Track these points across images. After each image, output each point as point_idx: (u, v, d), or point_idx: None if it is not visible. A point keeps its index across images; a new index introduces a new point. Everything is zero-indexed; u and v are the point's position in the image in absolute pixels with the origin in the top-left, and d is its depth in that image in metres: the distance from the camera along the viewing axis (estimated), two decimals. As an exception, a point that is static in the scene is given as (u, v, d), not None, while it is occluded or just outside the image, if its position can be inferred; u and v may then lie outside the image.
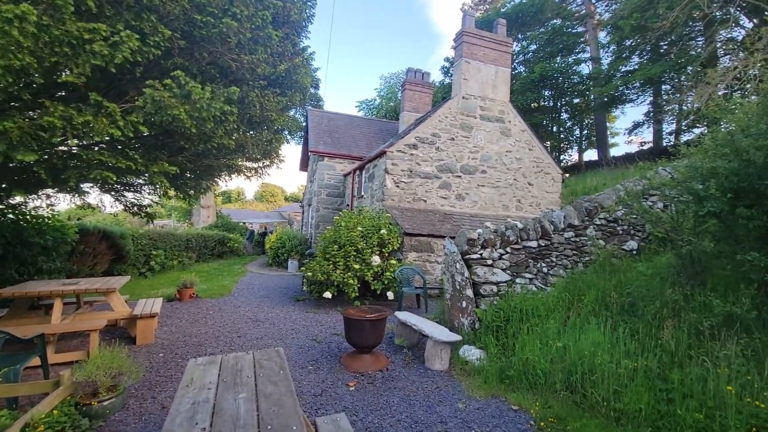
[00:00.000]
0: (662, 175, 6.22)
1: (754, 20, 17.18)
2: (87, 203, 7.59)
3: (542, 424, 3.39)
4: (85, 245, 8.99)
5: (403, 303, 8.23)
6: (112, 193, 7.69)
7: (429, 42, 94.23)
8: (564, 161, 30.77)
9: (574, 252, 6.07)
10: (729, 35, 18.56)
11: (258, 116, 5.43)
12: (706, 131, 7.99)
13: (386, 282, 7.95)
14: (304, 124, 18.53)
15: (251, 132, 6.65)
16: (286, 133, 27.38)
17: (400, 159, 10.56)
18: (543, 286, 5.73)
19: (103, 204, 8.37)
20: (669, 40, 20.26)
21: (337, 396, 3.91)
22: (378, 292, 8.06)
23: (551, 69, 23.11)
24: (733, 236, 3.97)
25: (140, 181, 7.32)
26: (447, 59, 30.58)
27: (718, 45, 18.41)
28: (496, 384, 4.16)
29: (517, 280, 5.66)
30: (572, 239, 6.09)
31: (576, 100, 27.96)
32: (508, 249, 5.69)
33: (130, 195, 8.05)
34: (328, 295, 7.80)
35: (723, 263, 4.14)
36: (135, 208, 8.10)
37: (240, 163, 7.47)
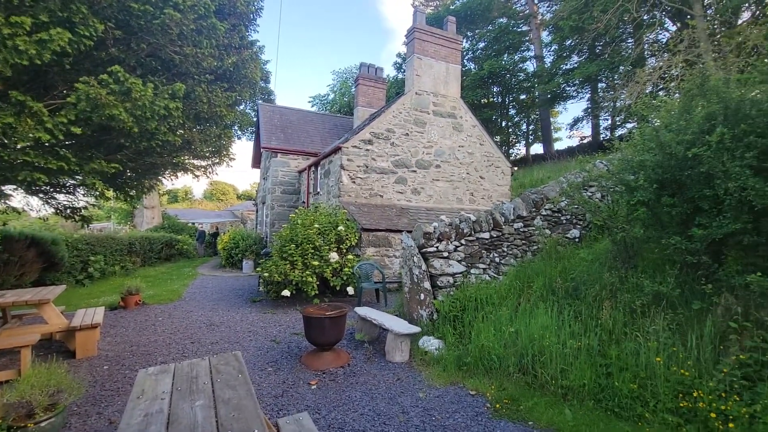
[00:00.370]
0: (599, 168, 6.70)
1: (677, 24, 18.87)
2: (10, 207, 6.88)
3: (497, 405, 3.58)
4: (9, 253, 8.15)
5: (363, 298, 8.28)
6: (41, 195, 7.02)
7: (381, 36, 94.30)
8: (513, 155, 32.22)
9: (523, 242, 6.40)
10: (655, 37, 20.28)
11: (206, 112, 5.17)
12: (636, 127, 8.70)
13: (345, 278, 7.95)
14: (255, 119, 17.92)
15: (198, 128, 6.32)
16: (237, 128, 26.39)
17: (355, 155, 10.54)
18: (496, 275, 6.00)
19: (31, 207, 7.63)
20: (604, 41, 21.76)
21: (299, 395, 3.88)
22: (337, 288, 8.04)
23: (499, 66, 24.01)
24: (659, 223, 4.39)
25: (73, 181, 6.73)
26: (399, 55, 30.80)
27: (646, 46, 20.05)
28: (455, 371, 4.32)
29: (472, 271, 5.89)
30: (521, 230, 6.42)
31: (522, 97, 29.31)
32: (463, 241, 5.89)
33: (61, 197, 7.38)
34: (286, 293, 7.66)
35: (651, 247, 4.56)
36: (68, 211, 7.44)
37: (187, 161, 7.10)
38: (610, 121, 25.33)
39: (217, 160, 7.41)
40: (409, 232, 6.62)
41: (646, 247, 4.69)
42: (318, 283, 7.85)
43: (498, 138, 29.55)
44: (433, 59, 11.56)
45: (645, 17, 19.23)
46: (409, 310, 5.77)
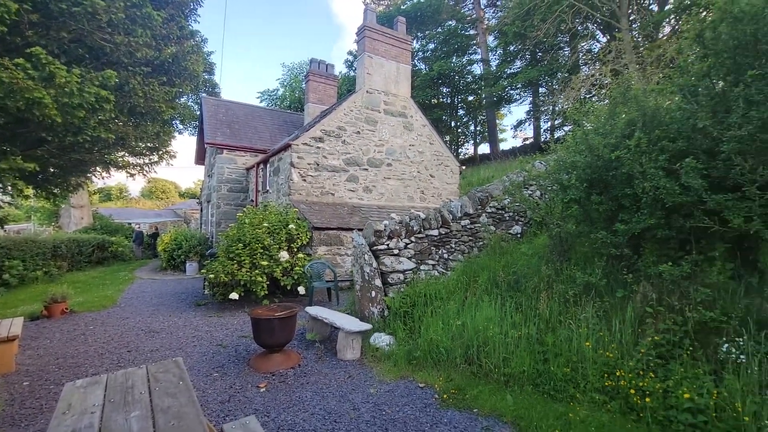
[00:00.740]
0: (538, 168, 7.15)
1: (607, 36, 20.51)
2: None
3: (445, 396, 3.72)
4: None
5: (315, 297, 8.18)
6: (-58, 194, 6.19)
7: (331, 32, 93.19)
8: (462, 154, 33.33)
9: (470, 238, 6.68)
10: (588, 47, 21.92)
11: (142, 106, 4.82)
12: (570, 130, 9.39)
13: (296, 278, 7.81)
14: (198, 113, 17.01)
15: (133, 123, 5.89)
16: (178, 122, 24.83)
17: (306, 152, 10.36)
18: (444, 271, 6.20)
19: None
20: (544, 48, 23.15)
21: (247, 399, 3.77)
22: (288, 288, 7.88)
23: (448, 68, 24.71)
24: (589, 219, 4.77)
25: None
26: (350, 52, 30.66)
27: (581, 55, 21.59)
28: (405, 366, 4.42)
29: (422, 267, 6.04)
30: (468, 227, 6.69)
31: (470, 98, 30.38)
32: (413, 238, 6.02)
33: (-31, 196, 6.56)
34: (234, 296, 7.38)
35: (583, 242, 4.95)
36: (-23, 212, 6.63)
37: (121, 158, 6.58)
38: (549, 124, 27.01)
39: (156, 158, 6.95)
40: (360, 230, 6.65)
41: (578, 242, 5.09)
42: (268, 283, 7.65)
43: (447, 138, 30.42)
44: (384, 58, 11.65)
45: (579, 28, 20.72)
46: (360, 307, 5.80)
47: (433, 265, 6.14)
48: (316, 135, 10.55)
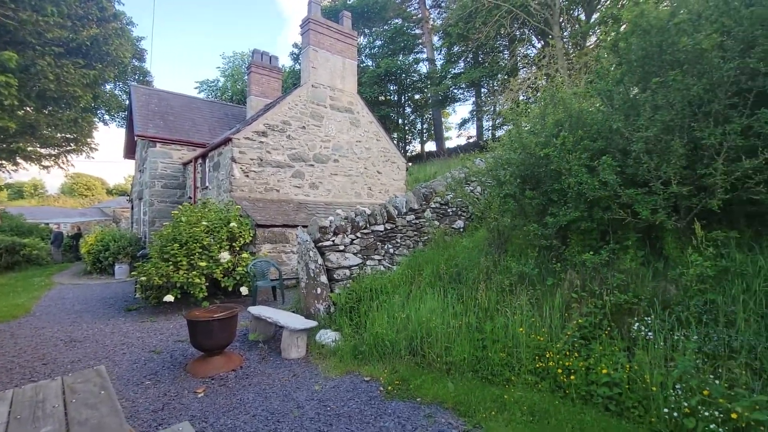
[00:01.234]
0: (479, 165, 7.47)
1: (542, 41, 21.88)
2: None
3: (389, 388, 3.78)
4: None
5: (259, 297, 7.93)
6: None
7: (276, 23, 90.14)
8: (409, 151, 33.89)
9: (415, 233, 6.83)
10: (525, 52, 23.25)
11: (54, 90, 4.33)
12: (508, 130, 9.91)
13: (239, 278, 7.51)
14: (127, 102, 15.68)
15: (46, 110, 5.27)
16: (104, 113, 22.77)
17: (248, 147, 9.96)
18: (390, 266, 6.29)
19: None
20: (485, 50, 24.20)
21: (183, 406, 3.57)
22: (230, 289, 7.55)
23: (395, 66, 24.96)
24: (523, 213, 5.09)
25: None
26: (296, 45, 29.89)
27: (519, 59, 22.86)
28: (351, 361, 4.43)
29: (368, 263, 6.08)
30: (413, 222, 6.83)
31: (417, 96, 30.97)
32: (359, 234, 6.03)
33: None
34: (169, 298, 6.93)
35: (518, 234, 5.26)
36: None
37: (30, 148, 5.87)
38: (491, 123, 28.32)
39: (74, 148, 6.29)
40: (306, 227, 6.54)
41: (514, 234, 5.39)
42: (207, 284, 7.28)
43: (395, 135, 30.78)
44: (330, 53, 11.50)
45: (517, 33, 21.92)
46: (306, 305, 5.71)
47: (379, 260, 6.20)
48: (259, 129, 10.17)
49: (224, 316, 4.34)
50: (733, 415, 2.65)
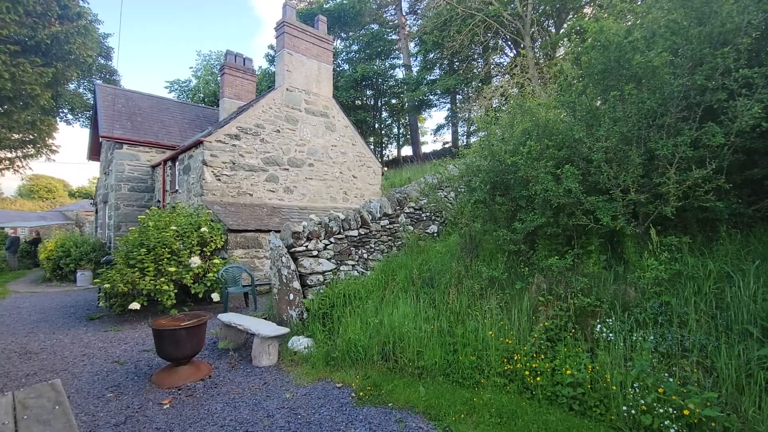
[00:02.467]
0: (452, 171, 7.61)
1: (515, 51, 22.52)
2: None
3: (361, 393, 3.78)
4: None
5: (231, 304, 7.75)
6: None
7: (250, 25, 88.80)
8: (386, 156, 34.06)
9: (389, 238, 6.87)
10: (498, 60, 23.87)
11: (9, 89, 4.12)
12: (479, 137, 10.14)
13: (209, 284, 7.33)
14: (92, 102, 15.06)
15: (2, 108, 5.01)
16: (67, 111, 21.74)
17: (220, 150, 9.76)
18: (364, 271, 6.29)
19: None
20: (460, 58, 24.67)
21: (147, 419, 3.45)
22: (200, 295, 7.36)
23: (371, 71, 25.08)
24: (493, 218, 5.22)
25: None
26: (271, 47, 29.55)
27: (492, 67, 23.44)
28: (323, 368, 4.40)
29: (342, 268, 6.06)
30: (387, 226, 6.88)
31: (393, 101, 31.21)
32: (332, 239, 6.02)
33: None
34: (135, 306, 6.68)
35: (488, 239, 5.39)
36: None
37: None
38: (466, 129, 28.86)
39: (33, 151, 5.99)
40: (278, 232, 6.46)
41: (485, 239, 5.52)
42: (176, 291, 7.06)
43: (372, 139, 30.89)
44: (305, 56, 11.45)
45: (491, 43, 22.47)
46: (278, 311, 5.64)
47: (353, 265, 6.20)
48: (231, 132, 9.99)
49: (192, 325, 4.22)
50: (686, 412, 2.80)
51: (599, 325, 3.77)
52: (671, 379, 3.08)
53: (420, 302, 4.84)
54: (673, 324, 3.43)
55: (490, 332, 4.06)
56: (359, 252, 6.34)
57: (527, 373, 3.67)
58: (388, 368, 4.23)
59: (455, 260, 5.42)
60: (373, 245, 6.55)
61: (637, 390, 3.12)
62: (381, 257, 6.58)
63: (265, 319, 5.64)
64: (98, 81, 18.44)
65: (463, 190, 5.60)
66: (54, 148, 5.75)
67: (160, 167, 12.54)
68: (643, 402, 3.00)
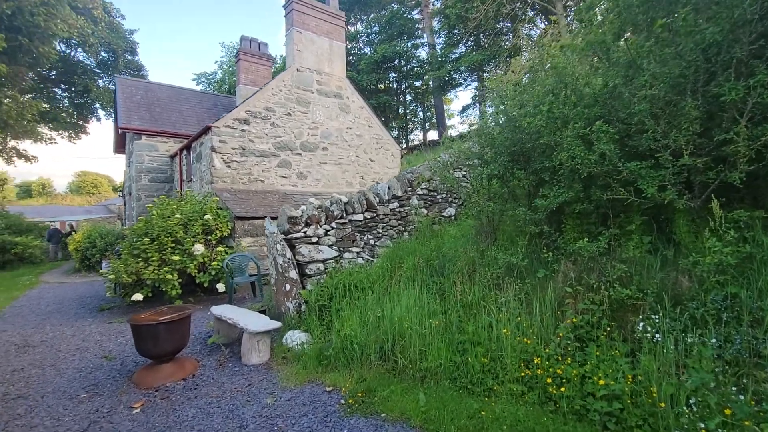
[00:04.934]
0: (471, 147, 6.84)
1: (545, 21, 20.88)
2: None
3: (351, 401, 3.26)
4: None
5: (238, 294, 7.48)
6: None
7: (277, 18, 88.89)
8: (411, 141, 33.14)
9: (400, 222, 6.26)
10: (528, 33, 22.24)
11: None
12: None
13: (214, 273, 7.04)
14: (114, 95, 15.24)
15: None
16: (98, 107, 22.37)
17: (229, 135, 9.43)
18: (370, 258, 5.74)
19: None
20: (486, 33, 23.24)
21: (111, 426, 3.09)
22: (205, 285, 7.09)
23: (393, 51, 24.13)
24: (512, 196, 4.50)
25: None
26: (292, 33, 29.11)
27: (521, 40, 21.88)
28: (315, 367, 3.91)
29: (345, 255, 5.54)
30: (397, 210, 6.26)
31: (417, 84, 30.15)
32: (334, 224, 5.49)
33: None
34: (138, 297, 6.49)
35: (507, 220, 4.67)
36: None
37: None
38: (494, 108, 27.37)
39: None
40: (274, 218, 6.01)
41: (504, 221, 4.81)
42: (180, 281, 6.82)
43: (396, 124, 30.09)
44: (315, 34, 10.86)
45: (519, 12, 20.93)
46: (276, 303, 5.22)
47: (358, 253, 5.66)
48: (240, 116, 9.62)
49: (171, 319, 3.84)
50: (764, 443, 2.08)
51: (642, 323, 3.04)
52: (741, 396, 2.34)
53: (426, 293, 4.24)
54: (742, 323, 2.65)
55: (505, 330, 3.41)
56: (365, 238, 5.78)
57: (550, 380, 3.01)
58: (386, 370, 3.68)
59: (469, 245, 4.76)
60: (380, 230, 5.97)
61: (695, 409, 2.41)
62: (390, 243, 6.00)
63: (263, 311, 5.23)
64: (125, 76, 18.71)
65: (476, 165, 4.88)
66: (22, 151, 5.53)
67: (177, 157, 12.48)
68: (703, 426, 2.29)
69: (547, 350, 3.21)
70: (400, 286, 4.68)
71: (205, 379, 3.90)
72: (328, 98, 11.24)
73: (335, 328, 4.22)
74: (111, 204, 44.24)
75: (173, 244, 6.91)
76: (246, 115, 9.71)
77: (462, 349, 3.59)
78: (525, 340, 3.35)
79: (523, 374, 3.18)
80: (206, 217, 7.33)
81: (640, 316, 3.12)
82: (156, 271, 6.54)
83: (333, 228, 5.46)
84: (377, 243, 5.89)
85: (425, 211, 6.60)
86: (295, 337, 4.45)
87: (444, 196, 7.00)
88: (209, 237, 7.43)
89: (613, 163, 3.03)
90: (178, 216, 7.21)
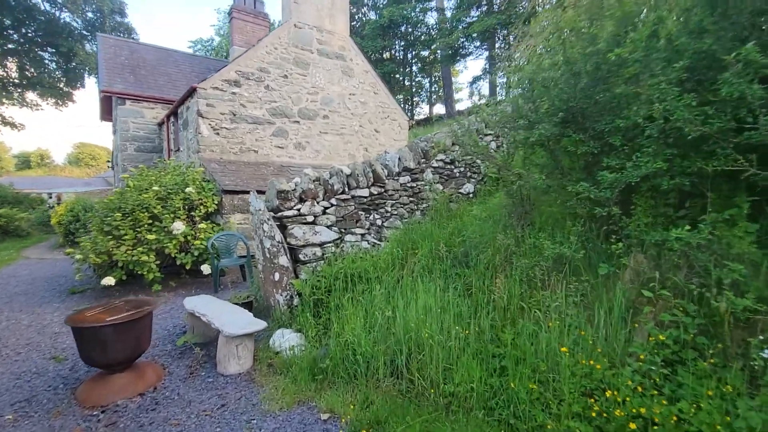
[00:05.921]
0: (504, 108, 5.80)
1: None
2: None
3: (353, 440, 2.43)
4: None
5: (226, 277, 6.65)
6: None
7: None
8: (417, 114, 31.73)
9: (411, 199, 5.33)
10: (545, -4, 20.54)
11: None
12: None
13: (198, 254, 6.18)
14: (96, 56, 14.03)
15: None
16: (87, 73, 21.11)
17: (217, 99, 8.37)
18: (377, 242, 4.85)
19: None
20: (500, -5, 21.52)
21: (28, 470, 2.27)
22: (188, 267, 6.24)
23: (400, 15, 22.53)
24: (559, 169, 3.53)
25: None
26: (293, -4, 27.29)
27: (539, 2, 20.22)
28: (307, 382, 3.08)
29: (347, 238, 4.64)
30: (408, 184, 5.32)
31: (424, 53, 28.50)
32: (334, 201, 4.56)
33: None
34: (110, 281, 5.64)
35: (552, 199, 3.73)
36: None
37: None
38: (505, 80, 25.88)
39: None
40: (261, 192, 5.08)
41: (545, 200, 3.87)
42: (159, 262, 5.96)
43: (401, 96, 28.65)
44: (315, -16, 9.59)
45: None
46: (264, 294, 4.36)
47: (363, 235, 4.76)
48: (230, 77, 8.53)
49: (121, 321, 2.98)
50: None
51: (766, 348, 2.15)
52: None
53: (451, 289, 3.36)
54: None
55: (564, 349, 2.53)
56: (370, 217, 4.87)
57: (633, 426, 2.15)
58: (399, 391, 2.84)
59: (500, 230, 3.84)
60: (389, 208, 5.05)
61: None
62: (400, 224, 5.08)
63: (249, 303, 4.39)
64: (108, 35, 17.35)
65: (514, 128, 3.88)
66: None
67: (165, 125, 11.44)
68: None
69: (621, 377, 2.33)
70: (414, 277, 3.80)
71: (169, 395, 3.07)
72: (329, 59, 10.07)
73: (334, 331, 3.36)
74: (109, 176, 43.38)
75: (150, 221, 6.02)
76: (236, 75, 8.61)
77: (499, 367, 2.73)
78: (591, 362, 2.47)
79: (589, 408, 2.32)
80: (187, 189, 6.40)
81: (761, 337, 2.23)
82: (129, 252, 5.68)
83: (333, 205, 4.53)
84: (385, 224, 4.98)
85: (440, 187, 5.66)
86: (285, 339, 3.61)
87: (462, 169, 6.03)
88: (192, 213, 6.52)
89: (752, 110, 2.05)
90: (155, 188, 6.28)
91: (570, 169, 3.56)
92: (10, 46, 20.13)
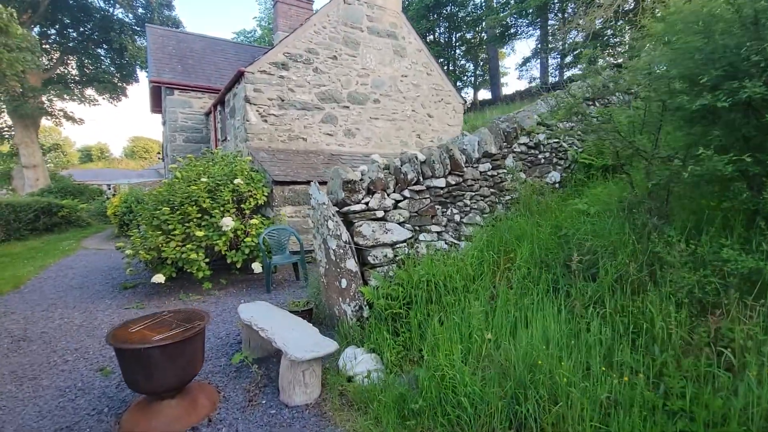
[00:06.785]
0: (639, 61, 4.81)
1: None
2: None
3: None
4: None
5: (278, 275, 6.17)
6: None
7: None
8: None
9: (492, 190, 4.50)
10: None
11: None
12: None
13: (248, 251, 5.71)
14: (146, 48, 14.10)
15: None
16: (138, 67, 21.64)
17: (265, 83, 7.87)
18: (455, 241, 4.08)
19: None
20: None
21: None
22: (238, 265, 5.80)
23: (446, -6, 21.27)
24: (746, 148, 2.59)
25: None
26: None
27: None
28: (395, 427, 2.40)
29: (422, 237, 3.91)
30: (488, 173, 4.49)
31: (469, 36, 27.00)
32: (407, 192, 3.84)
33: None
34: (159, 279, 5.31)
35: (710, 191, 2.79)
36: None
37: None
38: (559, 61, 23.94)
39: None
40: (324, 183, 4.45)
41: (696, 192, 2.93)
42: (207, 260, 5.56)
43: (445, 80, 27.38)
44: (366, -45, 8.81)
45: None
46: (327, 301, 3.75)
47: (439, 233, 4.01)
48: (277, 60, 7.99)
49: (172, 341, 2.44)
50: None
51: None
52: None
53: (575, 316, 2.55)
54: None
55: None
56: (447, 212, 4.11)
57: None
58: (525, 453, 2.10)
59: (635, 232, 2.95)
60: (468, 201, 4.26)
61: None
62: (480, 220, 4.29)
63: (309, 311, 3.80)
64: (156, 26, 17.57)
65: (663, 90, 2.94)
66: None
67: (212, 114, 11.21)
68: None
69: None
70: (514, 291, 3.02)
71: (226, 430, 2.52)
72: (380, 38, 9.29)
73: (427, 362, 2.66)
74: (160, 168, 45.46)
75: (199, 215, 5.61)
76: (284, 57, 8.06)
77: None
78: None
79: None
80: (236, 181, 5.92)
81: None
82: (178, 249, 5.30)
83: (405, 198, 3.82)
84: (464, 219, 4.20)
85: (523, 176, 4.79)
86: (358, 362, 2.97)
87: (547, 155, 5.11)
88: (242, 206, 6.06)
89: None
90: (204, 180, 5.87)
91: (734, 144, 2.60)
92: (70, 44, 21.04)
